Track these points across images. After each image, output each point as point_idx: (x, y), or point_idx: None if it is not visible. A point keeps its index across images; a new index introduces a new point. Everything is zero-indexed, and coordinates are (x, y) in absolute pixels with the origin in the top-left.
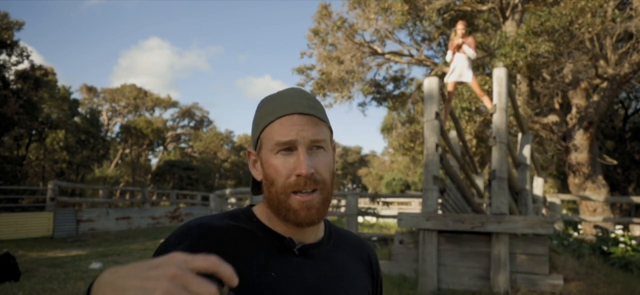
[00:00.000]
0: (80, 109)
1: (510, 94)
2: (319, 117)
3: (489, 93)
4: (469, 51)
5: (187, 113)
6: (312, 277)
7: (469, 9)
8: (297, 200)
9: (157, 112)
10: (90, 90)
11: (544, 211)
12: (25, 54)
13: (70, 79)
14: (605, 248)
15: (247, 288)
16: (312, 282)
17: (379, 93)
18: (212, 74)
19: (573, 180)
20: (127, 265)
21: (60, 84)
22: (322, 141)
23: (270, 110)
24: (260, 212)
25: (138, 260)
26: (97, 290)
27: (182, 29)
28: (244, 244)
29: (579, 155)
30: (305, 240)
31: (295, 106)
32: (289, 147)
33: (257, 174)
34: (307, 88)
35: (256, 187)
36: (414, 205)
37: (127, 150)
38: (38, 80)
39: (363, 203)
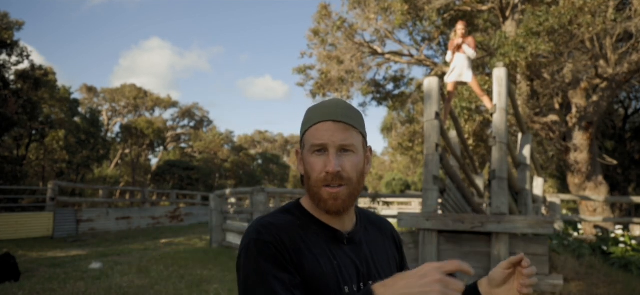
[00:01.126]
0: (80, 109)
1: (510, 94)
2: (351, 124)
3: (489, 93)
4: (469, 51)
5: (187, 113)
6: (358, 260)
7: (469, 9)
8: (327, 191)
9: (157, 112)
10: (90, 90)
11: (544, 211)
12: (25, 54)
13: (71, 79)
14: (605, 248)
15: (322, 274)
16: (359, 264)
17: (379, 93)
18: (213, 74)
19: (573, 180)
20: (398, 279)
21: (60, 84)
22: (351, 145)
23: (311, 117)
24: (307, 204)
25: (138, 260)
26: None
27: (183, 29)
28: (308, 237)
29: (579, 155)
30: (345, 228)
31: (330, 114)
32: (321, 149)
33: (301, 169)
34: (307, 88)
35: (302, 181)
36: (414, 205)
37: (127, 150)
38: (38, 80)
39: (363, 203)
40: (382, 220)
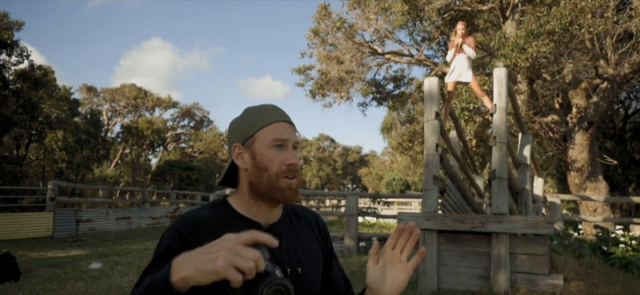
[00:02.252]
0: (80, 109)
1: (510, 94)
2: (295, 127)
3: (489, 93)
4: (469, 51)
5: (187, 113)
6: (278, 250)
7: (469, 9)
8: (286, 182)
9: (157, 112)
10: (90, 90)
11: (544, 211)
12: (25, 54)
13: (72, 79)
14: (605, 248)
15: None
16: (278, 253)
17: (379, 93)
18: (214, 74)
19: (573, 180)
20: (198, 250)
21: (60, 83)
22: (299, 144)
23: (266, 116)
24: (234, 200)
25: (138, 260)
26: (175, 267)
27: (184, 30)
28: (224, 230)
29: (579, 155)
30: (271, 220)
31: (284, 116)
32: (282, 144)
33: (243, 163)
34: (307, 88)
35: (230, 178)
36: (414, 205)
37: (127, 150)
38: (38, 80)
39: (363, 203)
40: (307, 212)
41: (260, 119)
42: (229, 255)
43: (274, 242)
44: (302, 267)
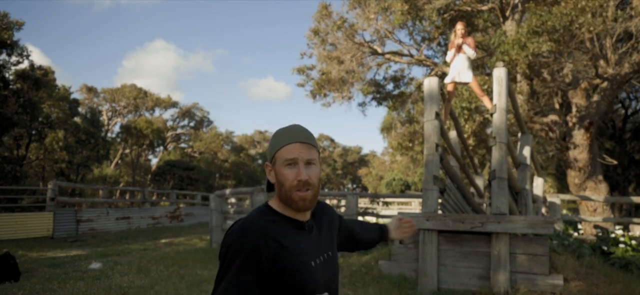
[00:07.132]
0: (80, 109)
1: (510, 94)
2: (312, 144)
3: (489, 93)
4: (469, 51)
5: (187, 113)
6: (315, 242)
7: (469, 9)
8: (298, 195)
9: (157, 112)
10: (90, 90)
11: (544, 211)
12: (25, 54)
13: (75, 80)
14: (605, 248)
15: (296, 256)
16: (316, 244)
17: (379, 93)
18: (216, 75)
19: (573, 180)
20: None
21: (60, 83)
22: (314, 159)
23: (283, 139)
24: (276, 205)
25: (138, 260)
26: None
27: (187, 31)
28: (281, 230)
29: (579, 155)
30: (306, 218)
31: (298, 138)
32: (292, 163)
33: (272, 178)
34: (307, 88)
35: (270, 187)
36: (414, 205)
37: (127, 150)
38: (38, 80)
39: (363, 203)
40: (327, 207)
41: (279, 141)
42: None
43: None
44: (332, 251)
